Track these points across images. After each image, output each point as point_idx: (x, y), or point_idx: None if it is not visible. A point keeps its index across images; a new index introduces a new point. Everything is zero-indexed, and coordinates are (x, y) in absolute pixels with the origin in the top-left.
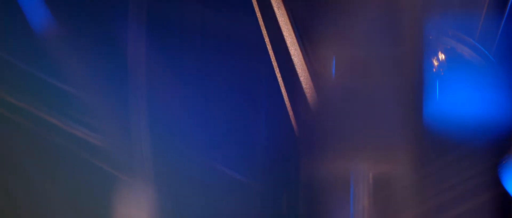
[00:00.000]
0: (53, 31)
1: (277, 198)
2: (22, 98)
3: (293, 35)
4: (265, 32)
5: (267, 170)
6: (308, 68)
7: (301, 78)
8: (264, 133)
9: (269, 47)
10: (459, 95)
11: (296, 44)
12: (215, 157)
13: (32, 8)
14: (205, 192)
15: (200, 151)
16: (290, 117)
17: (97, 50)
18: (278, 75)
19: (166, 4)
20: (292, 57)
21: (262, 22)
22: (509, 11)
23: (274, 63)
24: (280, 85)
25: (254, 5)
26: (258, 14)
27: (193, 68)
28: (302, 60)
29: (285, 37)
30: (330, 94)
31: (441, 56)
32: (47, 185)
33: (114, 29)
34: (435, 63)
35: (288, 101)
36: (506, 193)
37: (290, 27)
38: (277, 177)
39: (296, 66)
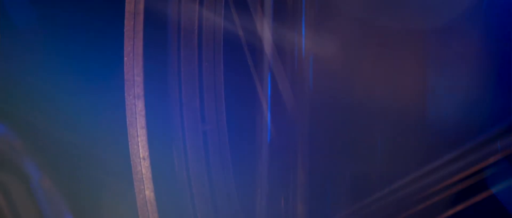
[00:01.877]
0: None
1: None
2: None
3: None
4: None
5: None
6: (284, 67)
7: (278, 78)
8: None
9: (244, 45)
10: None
11: (271, 41)
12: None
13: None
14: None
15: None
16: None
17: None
18: (255, 75)
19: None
20: (269, 57)
21: (238, 21)
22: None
23: (249, 62)
24: (257, 86)
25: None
26: (233, 11)
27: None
28: (278, 59)
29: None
30: (306, 95)
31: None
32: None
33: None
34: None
35: (265, 103)
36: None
37: (265, 25)
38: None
39: (272, 66)
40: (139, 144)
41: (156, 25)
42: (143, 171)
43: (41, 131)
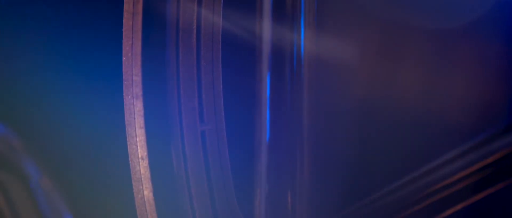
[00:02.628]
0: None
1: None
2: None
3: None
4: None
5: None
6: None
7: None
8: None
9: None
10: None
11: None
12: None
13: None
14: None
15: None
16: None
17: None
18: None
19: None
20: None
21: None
22: None
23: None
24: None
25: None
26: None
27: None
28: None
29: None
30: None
31: None
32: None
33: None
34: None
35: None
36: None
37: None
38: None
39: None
40: (138, 144)
41: (155, 25)
42: (142, 171)
43: (41, 131)
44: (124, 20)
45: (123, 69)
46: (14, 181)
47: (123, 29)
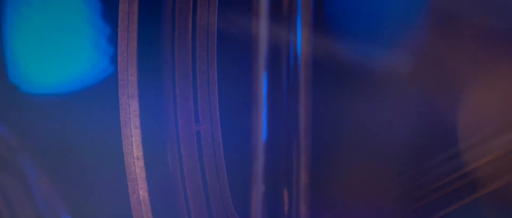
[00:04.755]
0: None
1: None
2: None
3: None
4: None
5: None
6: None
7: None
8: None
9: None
10: None
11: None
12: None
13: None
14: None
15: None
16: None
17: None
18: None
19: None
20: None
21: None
22: None
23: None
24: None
25: None
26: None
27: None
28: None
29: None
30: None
31: None
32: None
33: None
34: None
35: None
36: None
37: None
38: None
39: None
40: (133, 143)
41: (150, 25)
42: (137, 171)
43: (39, 131)
44: (119, 20)
45: (119, 69)
46: (11, 180)
47: (119, 29)
